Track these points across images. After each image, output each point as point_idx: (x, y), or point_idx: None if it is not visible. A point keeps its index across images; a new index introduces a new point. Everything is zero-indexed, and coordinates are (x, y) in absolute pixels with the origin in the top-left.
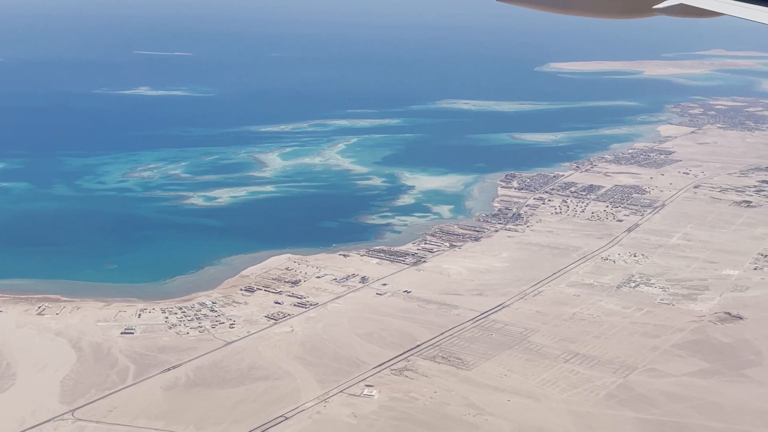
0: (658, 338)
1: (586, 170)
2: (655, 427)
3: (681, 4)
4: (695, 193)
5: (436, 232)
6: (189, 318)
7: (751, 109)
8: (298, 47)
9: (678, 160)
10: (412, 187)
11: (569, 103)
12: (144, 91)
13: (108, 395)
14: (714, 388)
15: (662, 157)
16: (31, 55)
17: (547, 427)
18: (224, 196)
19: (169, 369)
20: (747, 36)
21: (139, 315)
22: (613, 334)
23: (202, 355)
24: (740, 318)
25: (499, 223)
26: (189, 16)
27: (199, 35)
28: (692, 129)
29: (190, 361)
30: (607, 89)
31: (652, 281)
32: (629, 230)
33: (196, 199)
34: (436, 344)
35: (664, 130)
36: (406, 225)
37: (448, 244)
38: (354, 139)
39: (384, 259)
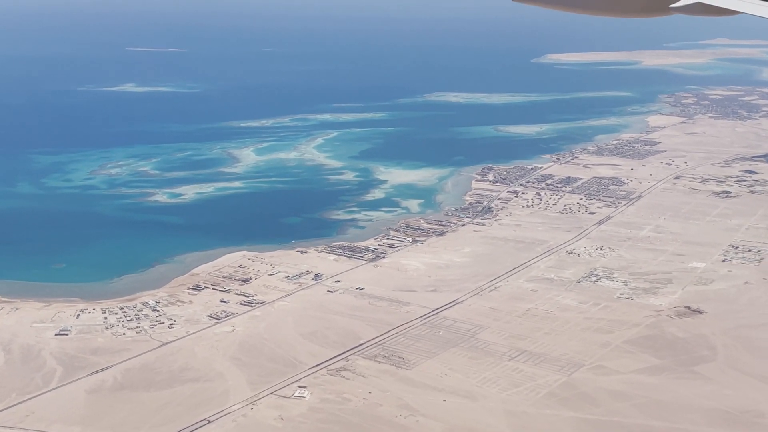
0: (610, 334)
1: (566, 162)
2: (593, 427)
3: (699, 2)
4: (675, 184)
5: (400, 227)
6: (129, 318)
7: (746, 98)
8: (293, 42)
9: (662, 151)
10: (384, 182)
11: (560, 95)
12: (130, 87)
13: (28, 399)
14: (661, 386)
15: (647, 147)
16: (21, 52)
17: (479, 428)
18: (190, 192)
19: (97, 371)
20: (754, 25)
21: (78, 315)
22: (564, 330)
23: (134, 357)
24: (699, 312)
25: (467, 217)
26: (186, 12)
27: (195, 31)
28: (682, 119)
29: (120, 363)
30: (602, 80)
31: (615, 275)
32: (600, 223)
33: (161, 196)
34: (379, 343)
35: (654, 120)
36: (371, 220)
37: (410, 239)
38: (334, 134)
39: (342, 255)
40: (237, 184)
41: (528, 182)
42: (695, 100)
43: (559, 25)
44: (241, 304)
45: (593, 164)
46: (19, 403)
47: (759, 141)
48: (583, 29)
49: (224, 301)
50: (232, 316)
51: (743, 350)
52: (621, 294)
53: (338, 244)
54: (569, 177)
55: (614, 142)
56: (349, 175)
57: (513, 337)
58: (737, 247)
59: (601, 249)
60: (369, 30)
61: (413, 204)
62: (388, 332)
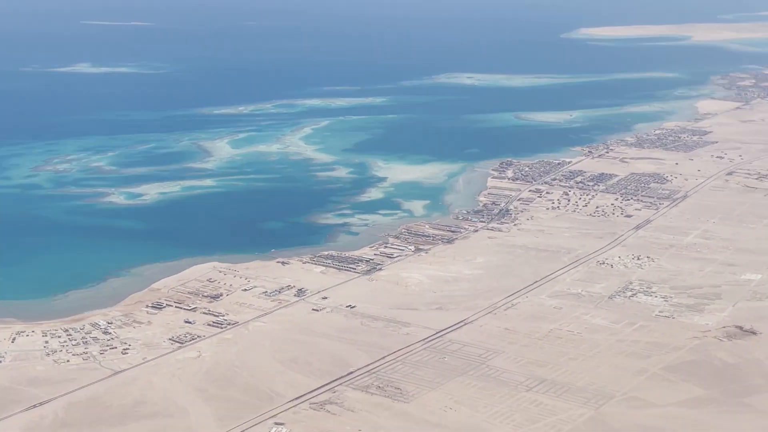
0: (647, 359)
1: (600, 156)
2: None
3: None
4: (727, 181)
5: (401, 234)
6: (74, 342)
7: None
8: (279, 14)
9: (713, 142)
10: (383, 179)
11: (594, 76)
12: (83, 68)
13: None
14: (705, 421)
15: (695, 138)
16: None
17: None
18: (151, 192)
19: (34, 406)
20: None
21: (13, 339)
22: (593, 355)
23: (80, 389)
24: (753, 333)
25: (480, 222)
26: None
27: (163, 1)
28: (738, 104)
29: (63, 395)
30: (644, 58)
31: (653, 289)
32: (638, 228)
33: (116, 197)
34: (373, 371)
35: (704, 106)
36: (366, 225)
37: (413, 248)
38: (324, 122)
39: (331, 266)
40: (208, 182)
41: (554, 179)
42: (753, 81)
43: None
44: (209, 325)
45: (631, 158)
46: None
47: None
48: None
49: (189, 322)
50: (198, 339)
51: None
52: (660, 312)
53: (326, 253)
54: (603, 173)
55: (657, 132)
56: (342, 172)
57: (531, 364)
58: None
59: (638, 258)
60: (369, 1)
61: (417, 206)
62: (383, 358)
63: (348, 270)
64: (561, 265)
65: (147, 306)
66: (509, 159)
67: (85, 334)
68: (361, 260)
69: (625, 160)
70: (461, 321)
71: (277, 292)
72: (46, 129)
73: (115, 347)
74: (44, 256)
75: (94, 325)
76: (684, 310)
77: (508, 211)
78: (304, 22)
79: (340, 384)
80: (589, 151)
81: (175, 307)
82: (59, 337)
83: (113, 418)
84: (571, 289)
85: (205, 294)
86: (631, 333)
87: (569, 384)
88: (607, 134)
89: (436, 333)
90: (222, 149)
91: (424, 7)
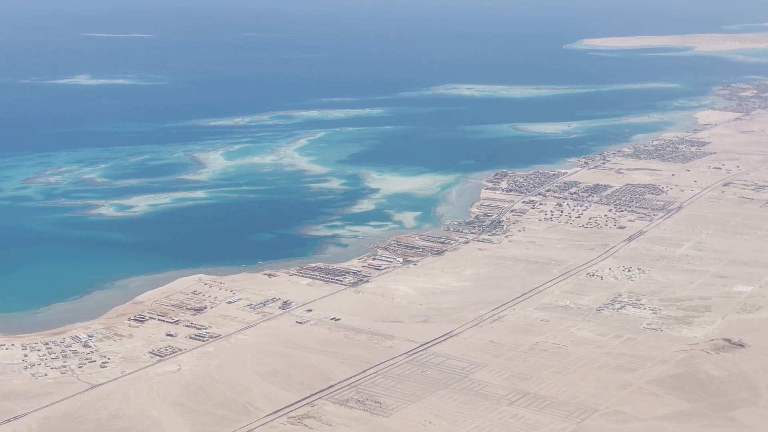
0: (632, 372)
1: (596, 167)
2: None
3: None
4: (723, 192)
5: (390, 245)
6: (54, 356)
7: None
8: (281, 26)
9: (711, 153)
10: (375, 191)
11: (594, 87)
12: (82, 80)
13: None
14: None
15: (693, 149)
16: None
17: None
18: (141, 204)
19: (9, 420)
20: None
21: None
22: (577, 369)
23: (56, 402)
24: (741, 346)
25: (471, 233)
26: None
27: (166, 13)
28: (738, 114)
29: (38, 409)
30: (646, 69)
31: (642, 301)
32: (630, 239)
33: (106, 209)
34: (353, 384)
35: (704, 116)
36: (356, 237)
37: (401, 260)
38: (320, 133)
39: (318, 278)
40: (199, 194)
41: (548, 190)
42: (755, 92)
43: (597, 3)
44: (190, 338)
45: (628, 169)
46: None
47: None
48: (625, 9)
49: (171, 335)
50: (178, 352)
51: None
52: (648, 324)
53: (314, 265)
54: (598, 184)
55: (655, 143)
56: (335, 183)
57: (515, 377)
58: None
59: (629, 270)
60: (371, 11)
61: (408, 217)
62: (365, 371)
63: (335, 282)
64: (550, 277)
65: (129, 319)
66: (504, 170)
67: (65, 347)
68: (348, 272)
69: (621, 171)
70: (446, 334)
71: (261, 305)
72: (40, 141)
73: (95, 361)
74: (29, 269)
75: (75, 338)
76: (672, 323)
77: (499, 222)
78: (305, 33)
79: (320, 398)
80: (585, 162)
81: (158, 320)
82: (39, 350)
83: None
84: (560, 301)
85: (189, 307)
86: (617, 346)
87: (552, 398)
88: (605, 145)
89: (420, 346)
90: (215, 161)
91: (427, 18)
